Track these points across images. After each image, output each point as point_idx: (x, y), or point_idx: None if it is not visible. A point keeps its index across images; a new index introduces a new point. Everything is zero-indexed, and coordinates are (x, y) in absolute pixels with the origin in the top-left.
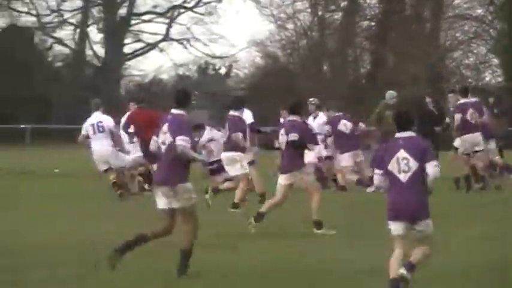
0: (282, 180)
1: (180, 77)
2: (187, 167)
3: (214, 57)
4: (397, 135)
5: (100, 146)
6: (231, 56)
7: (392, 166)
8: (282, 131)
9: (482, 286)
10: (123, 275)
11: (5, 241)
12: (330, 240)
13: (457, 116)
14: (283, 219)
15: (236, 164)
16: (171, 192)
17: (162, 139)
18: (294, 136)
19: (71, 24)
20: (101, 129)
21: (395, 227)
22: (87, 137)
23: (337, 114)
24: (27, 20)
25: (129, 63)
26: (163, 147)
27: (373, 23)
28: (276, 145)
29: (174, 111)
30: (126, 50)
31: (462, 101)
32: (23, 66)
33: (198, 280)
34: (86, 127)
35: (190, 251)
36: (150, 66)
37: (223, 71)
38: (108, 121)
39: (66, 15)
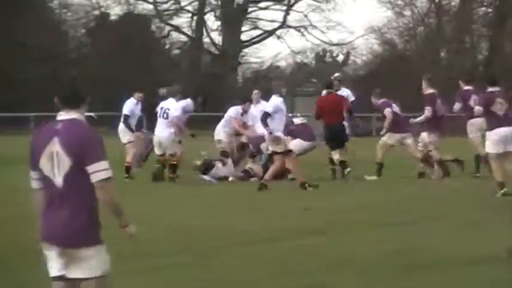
0: None
1: (297, 65)
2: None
3: (331, 44)
4: None
5: (160, 131)
6: (349, 43)
7: None
8: None
9: None
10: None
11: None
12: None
13: None
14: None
15: None
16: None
17: (47, 166)
18: None
19: (188, 11)
20: (165, 115)
21: None
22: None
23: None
24: (144, 8)
25: (246, 50)
26: (55, 181)
27: (490, 10)
28: None
29: (64, 115)
30: (244, 37)
31: None
32: (141, 54)
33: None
34: (157, 109)
35: None
36: (267, 53)
37: (340, 58)
38: (175, 110)
39: (183, 3)
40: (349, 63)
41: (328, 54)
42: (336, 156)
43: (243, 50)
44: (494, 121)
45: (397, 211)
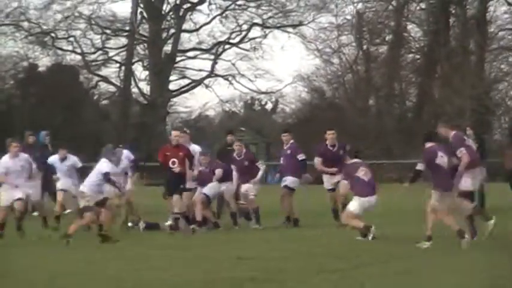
0: None
1: (226, 113)
2: None
3: (260, 92)
4: None
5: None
6: (277, 91)
7: None
8: None
9: None
10: None
11: None
12: None
13: None
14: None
15: None
16: None
17: None
18: None
19: (116, 61)
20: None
21: None
22: None
23: None
24: (72, 59)
25: (175, 100)
26: None
27: (418, 56)
28: None
29: None
30: (172, 86)
31: None
32: (70, 105)
33: None
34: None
35: None
36: (196, 102)
37: (269, 106)
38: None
39: (111, 53)
40: (277, 111)
41: (257, 102)
42: None
43: (172, 100)
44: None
45: (336, 257)
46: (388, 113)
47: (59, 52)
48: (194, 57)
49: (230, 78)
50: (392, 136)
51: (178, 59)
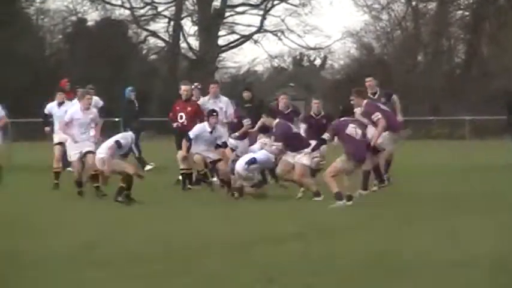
0: None
1: (275, 69)
2: None
3: (309, 48)
4: None
5: None
6: (326, 47)
7: None
8: None
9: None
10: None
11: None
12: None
13: None
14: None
15: None
16: None
17: None
18: None
19: (165, 16)
20: None
21: None
22: None
23: None
24: (121, 14)
25: (223, 55)
26: None
27: (467, 13)
28: None
29: None
30: (221, 42)
31: None
32: (117, 60)
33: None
34: None
35: None
36: (244, 58)
37: (318, 62)
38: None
39: (160, 8)
40: (326, 68)
41: (305, 58)
42: None
43: (220, 55)
44: None
45: (375, 215)
46: (436, 69)
47: (108, 7)
48: (243, 13)
49: (279, 34)
50: (440, 93)
51: (227, 14)
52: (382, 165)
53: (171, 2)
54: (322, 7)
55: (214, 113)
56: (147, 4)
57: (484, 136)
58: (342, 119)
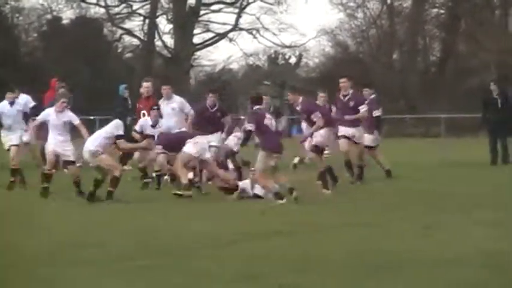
0: None
1: (250, 67)
2: None
3: (284, 46)
4: None
5: None
6: (301, 46)
7: None
8: None
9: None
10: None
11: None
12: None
13: None
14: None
15: None
16: None
17: None
18: None
19: (140, 15)
20: None
21: None
22: None
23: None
24: (96, 12)
25: (198, 53)
26: None
27: (442, 11)
28: None
29: None
30: (196, 40)
31: None
32: (93, 58)
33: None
34: None
35: None
36: (220, 56)
37: (293, 60)
38: None
39: (135, 6)
40: (301, 66)
41: (280, 56)
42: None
43: (196, 53)
44: None
45: (357, 212)
46: (412, 68)
47: (83, 5)
48: (218, 11)
49: (254, 32)
50: (415, 91)
51: (202, 12)
52: (381, 160)
53: (146, 0)
54: (297, 5)
55: (155, 107)
56: (122, 2)
57: (460, 134)
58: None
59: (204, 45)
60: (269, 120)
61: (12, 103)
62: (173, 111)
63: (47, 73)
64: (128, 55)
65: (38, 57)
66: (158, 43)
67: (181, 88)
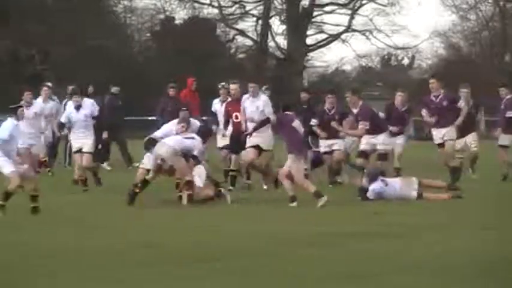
0: None
1: (362, 68)
2: None
3: (396, 48)
4: None
5: None
6: (414, 47)
7: None
8: None
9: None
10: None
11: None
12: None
13: None
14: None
15: None
16: None
17: None
18: None
19: (253, 15)
20: None
21: None
22: None
23: None
24: (209, 12)
25: (311, 54)
26: None
27: None
28: None
29: None
30: (309, 41)
31: None
32: (204, 58)
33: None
34: None
35: None
36: (332, 57)
37: (406, 62)
38: None
39: (248, 7)
40: (414, 67)
41: (393, 58)
42: None
43: (308, 54)
44: None
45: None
46: None
47: (196, 5)
48: (331, 12)
49: (367, 33)
50: None
51: (315, 13)
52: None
53: (259, 1)
54: (410, 7)
55: (184, 108)
56: (235, 3)
57: None
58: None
59: (317, 46)
60: (297, 123)
61: (78, 107)
62: (257, 110)
63: (158, 73)
64: (241, 56)
65: (150, 57)
66: (271, 44)
67: (294, 89)
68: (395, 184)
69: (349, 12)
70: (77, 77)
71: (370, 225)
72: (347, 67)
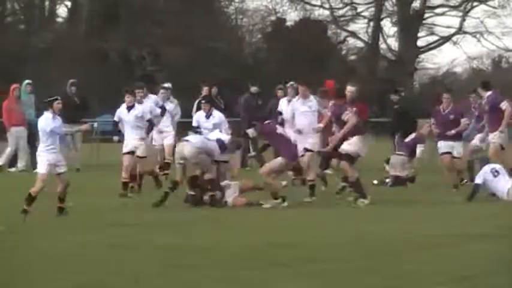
0: None
1: (473, 70)
2: None
3: (507, 50)
4: None
5: None
6: None
7: None
8: None
9: None
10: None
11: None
12: None
13: None
14: None
15: None
16: None
17: None
18: None
19: (364, 17)
20: None
21: None
22: None
23: None
24: (320, 14)
25: (422, 56)
26: None
27: None
28: None
29: None
30: (420, 43)
31: None
32: (315, 59)
33: None
34: None
35: None
36: (443, 59)
37: None
38: None
39: (360, 9)
40: None
41: (504, 59)
42: None
43: (419, 56)
44: None
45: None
46: None
47: (307, 7)
48: (442, 14)
49: (478, 36)
50: None
51: (426, 15)
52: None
53: (371, 3)
54: None
55: (203, 101)
56: (346, 5)
57: None
58: None
59: (428, 48)
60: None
61: (130, 107)
62: (309, 110)
63: (268, 74)
64: (352, 57)
65: (262, 58)
66: (382, 45)
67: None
68: (506, 183)
69: (460, 14)
70: (187, 78)
71: (485, 227)
72: (458, 69)
